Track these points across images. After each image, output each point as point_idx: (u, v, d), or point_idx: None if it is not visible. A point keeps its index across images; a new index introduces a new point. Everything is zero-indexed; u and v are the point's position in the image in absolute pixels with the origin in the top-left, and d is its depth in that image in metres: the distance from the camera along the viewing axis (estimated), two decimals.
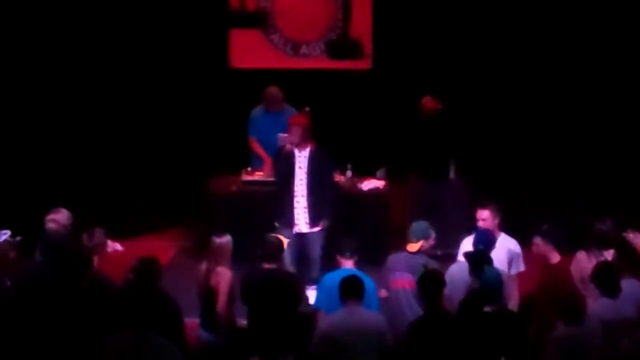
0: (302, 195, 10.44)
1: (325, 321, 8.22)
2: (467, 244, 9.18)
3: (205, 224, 11.12)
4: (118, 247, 9.55)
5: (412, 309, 8.69)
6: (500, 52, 12.93)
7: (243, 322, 8.93)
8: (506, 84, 12.92)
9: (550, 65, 12.75)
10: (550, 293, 8.53)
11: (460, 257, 9.09)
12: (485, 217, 9.36)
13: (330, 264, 9.53)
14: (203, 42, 13.37)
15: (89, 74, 12.31)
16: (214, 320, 8.77)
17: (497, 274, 8.18)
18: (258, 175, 11.67)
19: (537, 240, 8.93)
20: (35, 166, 12.10)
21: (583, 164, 12.55)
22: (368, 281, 8.47)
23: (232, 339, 8.78)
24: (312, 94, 12.24)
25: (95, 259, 8.70)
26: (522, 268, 9.41)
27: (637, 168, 12.46)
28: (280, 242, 9.00)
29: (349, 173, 11.66)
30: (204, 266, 8.90)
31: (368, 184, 11.66)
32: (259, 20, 13.63)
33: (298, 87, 12.41)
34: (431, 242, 9.15)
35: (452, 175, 11.68)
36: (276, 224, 10.41)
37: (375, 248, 10.90)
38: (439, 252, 9.58)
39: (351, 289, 8.14)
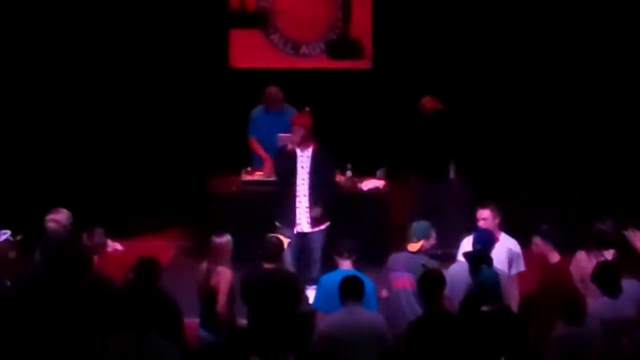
0: (304, 195, 10.45)
1: (324, 321, 8.22)
2: (467, 244, 9.18)
3: (205, 224, 11.11)
4: (118, 247, 9.53)
5: (412, 309, 8.69)
6: (500, 52, 12.92)
7: (243, 322, 8.94)
8: (506, 84, 12.91)
9: (550, 65, 12.74)
10: (550, 293, 8.53)
11: (460, 257, 9.09)
12: (485, 216, 9.36)
13: (329, 264, 9.52)
14: (203, 42, 13.38)
15: (89, 74, 12.30)
16: (214, 320, 8.77)
17: (494, 274, 8.18)
18: (258, 175, 11.67)
19: (537, 240, 8.93)
20: (35, 166, 12.10)
21: (583, 164, 12.54)
22: (367, 281, 8.47)
23: (232, 339, 8.78)
24: (312, 94, 12.24)
25: (95, 259, 8.70)
26: (522, 268, 9.41)
27: (637, 168, 12.45)
28: (280, 242, 9.00)
29: (349, 173, 11.67)
30: (204, 266, 8.90)
31: (368, 184, 11.66)
32: (259, 20, 13.63)
33: (298, 87, 12.41)
34: (432, 241, 9.14)
35: (452, 175, 11.68)
36: (277, 223, 10.42)
37: (375, 248, 10.90)
38: (439, 252, 9.57)
39: (351, 289, 8.14)
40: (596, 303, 8.24)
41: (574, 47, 12.65)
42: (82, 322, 8.04)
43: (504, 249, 9.29)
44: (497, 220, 9.40)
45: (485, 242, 8.87)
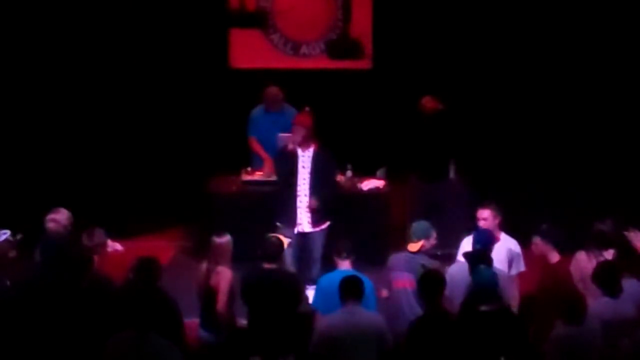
0: (305, 195, 10.45)
1: (324, 321, 8.22)
2: (466, 244, 9.18)
3: (205, 224, 11.11)
4: (118, 247, 9.53)
5: (412, 309, 8.70)
6: (500, 52, 12.92)
7: (243, 322, 8.93)
8: (506, 84, 12.92)
9: (550, 65, 12.75)
10: (550, 293, 8.53)
11: (460, 257, 9.09)
12: (486, 216, 9.36)
13: (328, 264, 9.53)
14: (203, 42, 13.37)
15: (89, 74, 12.30)
16: (214, 320, 8.77)
17: (491, 274, 8.18)
18: (258, 175, 11.67)
19: (537, 240, 8.94)
20: (35, 166, 12.10)
21: (583, 164, 12.55)
22: (365, 281, 8.47)
23: (232, 338, 8.78)
24: (312, 94, 12.23)
25: (95, 259, 8.70)
26: (522, 268, 9.41)
27: (637, 168, 12.45)
28: (280, 242, 9.00)
29: (349, 173, 11.67)
30: (204, 266, 8.90)
31: (368, 184, 11.66)
32: (259, 20, 13.63)
33: (298, 87, 12.41)
34: (432, 241, 9.14)
35: (452, 175, 11.68)
36: (278, 223, 10.42)
37: (375, 248, 10.91)
38: (439, 252, 9.57)
39: (351, 289, 8.15)
40: (596, 303, 8.24)
41: (574, 47, 12.65)
42: (82, 322, 8.04)
43: (504, 249, 9.29)
44: (497, 221, 9.40)
45: (485, 242, 8.87)
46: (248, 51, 13.75)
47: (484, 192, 10.82)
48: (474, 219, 9.44)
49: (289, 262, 10.19)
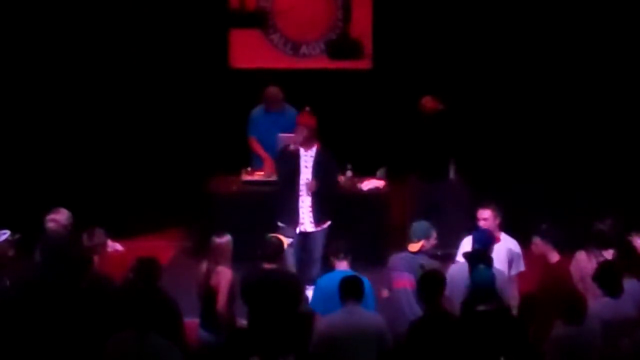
0: (307, 195, 10.45)
1: (324, 321, 8.22)
2: (466, 244, 9.18)
3: (205, 224, 11.11)
4: (118, 247, 9.54)
5: (412, 309, 8.70)
6: (500, 52, 12.92)
7: (243, 322, 8.93)
8: (506, 84, 12.92)
9: (550, 65, 12.75)
10: (550, 293, 8.53)
11: (459, 257, 9.10)
12: (486, 217, 9.36)
13: (327, 264, 9.53)
14: (203, 42, 13.37)
15: (89, 74, 12.30)
16: (214, 320, 8.77)
17: (489, 273, 8.18)
18: (258, 175, 11.67)
19: (536, 240, 8.94)
20: (35, 166, 12.09)
21: (583, 164, 12.55)
22: (364, 281, 8.46)
23: (232, 339, 8.77)
24: (312, 94, 12.22)
25: (95, 259, 8.70)
26: (522, 268, 9.41)
27: (637, 168, 12.45)
28: (280, 242, 9.01)
29: (349, 173, 11.67)
30: (204, 266, 8.90)
31: (368, 184, 11.66)
32: (259, 20, 13.62)
33: (298, 87, 12.41)
34: (432, 242, 9.14)
35: (452, 175, 11.68)
36: (279, 223, 10.42)
37: (375, 248, 10.92)
38: (439, 252, 9.58)
39: (351, 290, 8.14)
40: (597, 303, 8.24)
41: (574, 48, 12.65)
42: (82, 322, 8.04)
43: (504, 249, 9.29)
44: (497, 221, 9.40)
45: (484, 242, 8.87)
46: (248, 51, 13.74)
47: (484, 192, 10.82)
48: (474, 219, 9.44)
49: (291, 262, 10.20)
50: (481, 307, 7.94)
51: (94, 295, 8.21)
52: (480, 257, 8.53)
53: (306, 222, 10.49)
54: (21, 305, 8.15)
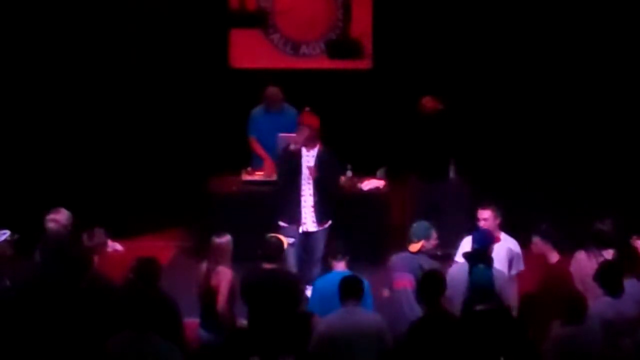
0: (310, 195, 10.46)
1: (324, 321, 8.21)
2: (466, 244, 9.18)
3: (205, 224, 11.11)
4: (118, 247, 9.54)
5: (412, 309, 8.69)
6: (500, 52, 12.93)
7: (243, 322, 8.93)
8: (506, 84, 12.93)
9: (550, 65, 12.75)
10: (550, 293, 8.53)
11: (458, 257, 9.10)
12: (486, 217, 9.36)
13: (326, 264, 9.54)
14: (203, 42, 13.37)
15: (89, 74, 12.30)
16: (214, 320, 8.77)
17: (486, 273, 8.17)
18: (258, 175, 11.67)
19: (536, 240, 8.94)
20: (35, 166, 12.09)
21: (583, 164, 12.55)
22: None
23: (232, 339, 8.78)
24: (312, 94, 12.23)
25: (95, 259, 8.70)
26: (522, 268, 9.41)
27: (637, 168, 12.45)
28: (280, 242, 9.00)
29: (349, 173, 11.67)
30: (204, 266, 8.90)
31: (368, 184, 11.66)
32: (259, 20, 13.62)
33: (298, 87, 12.42)
34: (432, 242, 9.13)
35: (452, 175, 11.68)
36: (281, 222, 10.41)
37: (375, 248, 10.93)
38: (439, 252, 9.58)
39: (351, 290, 8.14)
40: (597, 303, 8.23)
41: (574, 47, 12.66)
42: (82, 322, 8.04)
43: (504, 249, 9.28)
44: (497, 221, 9.40)
45: (483, 242, 8.86)
46: (248, 51, 13.75)
47: (484, 192, 10.82)
48: (474, 219, 9.44)
49: (291, 262, 10.19)
50: (479, 307, 7.94)
51: (94, 295, 8.21)
52: (480, 257, 8.52)
53: (308, 221, 10.48)
54: (21, 305, 8.15)
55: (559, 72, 12.73)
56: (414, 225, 9.23)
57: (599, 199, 11.82)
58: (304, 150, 10.46)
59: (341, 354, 7.96)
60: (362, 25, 13.62)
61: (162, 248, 11.68)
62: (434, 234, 9.15)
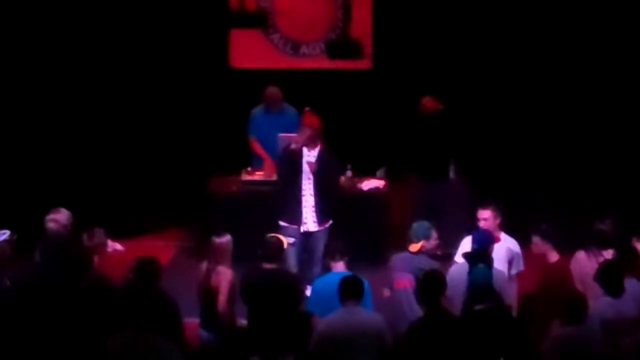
0: (310, 195, 10.46)
1: (324, 321, 8.21)
2: (466, 244, 9.18)
3: (205, 224, 11.11)
4: (118, 247, 9.56)
5: (413, 309, 8.70)
6: (500, 52, 12.92)
7: (243, 322, 8.93)
8: (506, 84, 12.92)
9: (550, 65, 12.75)
10: (550, 293, 8.53)
11: (458, 257, 9.10)
12: (486, 217, 9.36)
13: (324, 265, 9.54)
14: (203, 42, 13.36)
15: (89, 74, 12.31)
16: (214, 320, 8.77)
17: (485, 273, 8.17)
18: (258, 175, 11.67)
19: (536, 240, 8.94)
20: (35, 166, 12.10)
21: (583, 164, 12.55)
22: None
23: (232, 338, 8.78)
24: (312, 94, 12.24)
25: (95, 259, 8.70)
26: (522, 267, 9.41)
27: (637, 168, 12.45)
28: (281, 242, 9.00)
29: (349, 173, 11.67)
30: (204, 266, 8.90)
31: (368, 184, 11.66)
32: (259, 20, 13.60)
33: (298, 87, 12.42)
34: (433, 242, 9.13)
35: (452, 175, 11.68)
36: (281, 222, 10.41)
37: (375, 248, 10.92)
38: (439, 252, 9.58)
39: (351, 290, 8.14)
40: (597, 302, 8.23)
41: (574, 47, 12.66)
42: (82, 322, 8.04)
43: (504, 249, 9.28)
44: (497, 221, 9.40)
45: (483, 242, 8.86)
46: (248, 51, 13.74)
47: (484, 192, 10.82)
48: (474, 219, 9.44)
49: (292, 262, 10.19)
50: (479, 307, 7.94)
51: (94, 295, 8.21)
52: (480, 257, 8.52)
53: (309, 221, 10.48)
54: (21, 305, 8.15)
55: (558, 72, 12.72)
56: (414, 225, 9.23)
57: (599, 199, 11.82)
58: (305, 150, 10.46)
59: (341, 354, 7.96)
60: (362, 25, 13.61)
61: (162, 248, 11.68)
62: (434, 234, 9.15)
